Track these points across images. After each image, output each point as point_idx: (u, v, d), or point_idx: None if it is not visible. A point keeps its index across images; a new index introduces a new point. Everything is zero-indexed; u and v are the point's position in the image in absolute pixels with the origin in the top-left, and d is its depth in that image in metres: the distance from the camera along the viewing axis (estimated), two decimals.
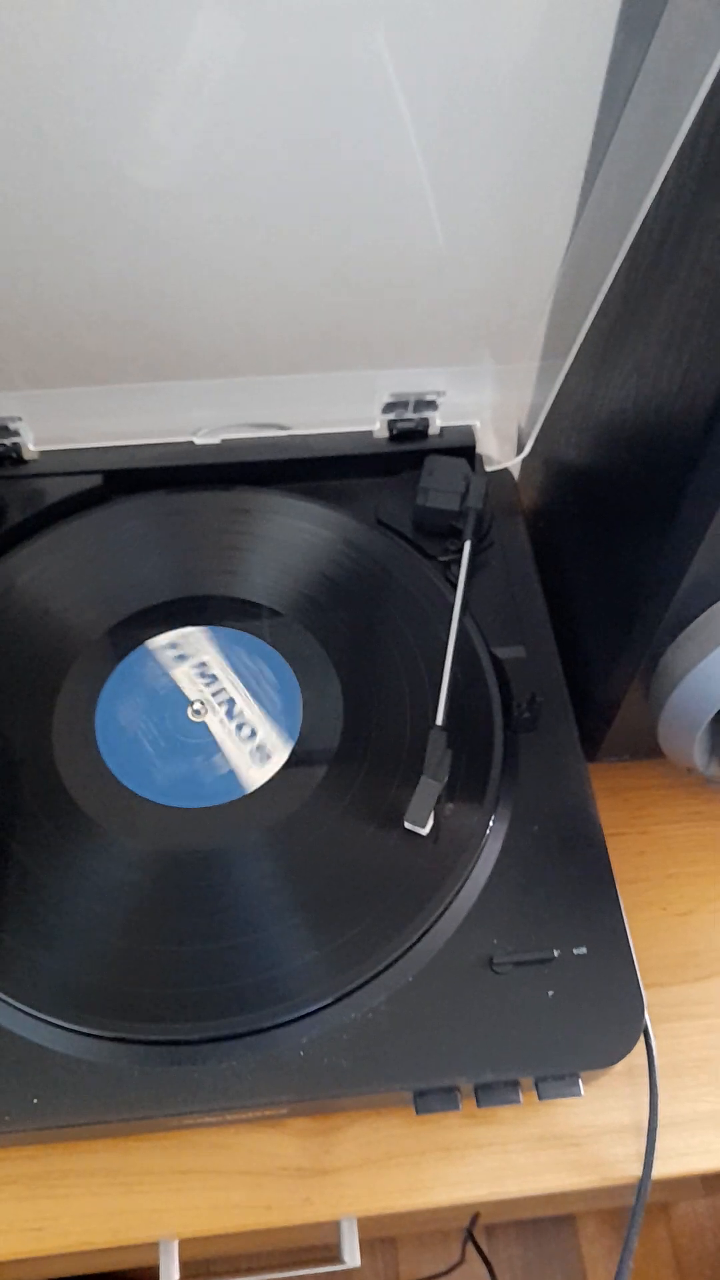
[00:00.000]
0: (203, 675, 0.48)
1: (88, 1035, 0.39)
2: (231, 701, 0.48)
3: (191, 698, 0.48)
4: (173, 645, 0.49)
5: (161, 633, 0.50)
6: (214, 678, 0.48)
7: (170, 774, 0.46)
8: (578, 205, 0.45)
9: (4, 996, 0.40)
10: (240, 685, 0.48)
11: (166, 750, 0.46)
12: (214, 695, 0.48)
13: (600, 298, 0.43)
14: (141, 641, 0.49)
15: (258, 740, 0.47)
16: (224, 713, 0.47)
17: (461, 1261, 0.96)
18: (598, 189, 0.45)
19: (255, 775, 0.46)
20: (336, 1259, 0.49)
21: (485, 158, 0.44)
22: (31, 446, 0.55)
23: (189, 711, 0.47)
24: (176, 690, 0.48)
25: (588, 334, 0.45)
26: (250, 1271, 0.52)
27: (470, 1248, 0.95)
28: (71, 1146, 0.43)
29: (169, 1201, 0.42)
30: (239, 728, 0.47)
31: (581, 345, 0.46)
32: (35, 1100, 0.39)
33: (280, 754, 0.46)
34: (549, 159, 0.45)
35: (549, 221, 0.47)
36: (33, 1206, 0.42)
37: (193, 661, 0.49)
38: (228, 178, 0.45)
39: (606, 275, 0.42)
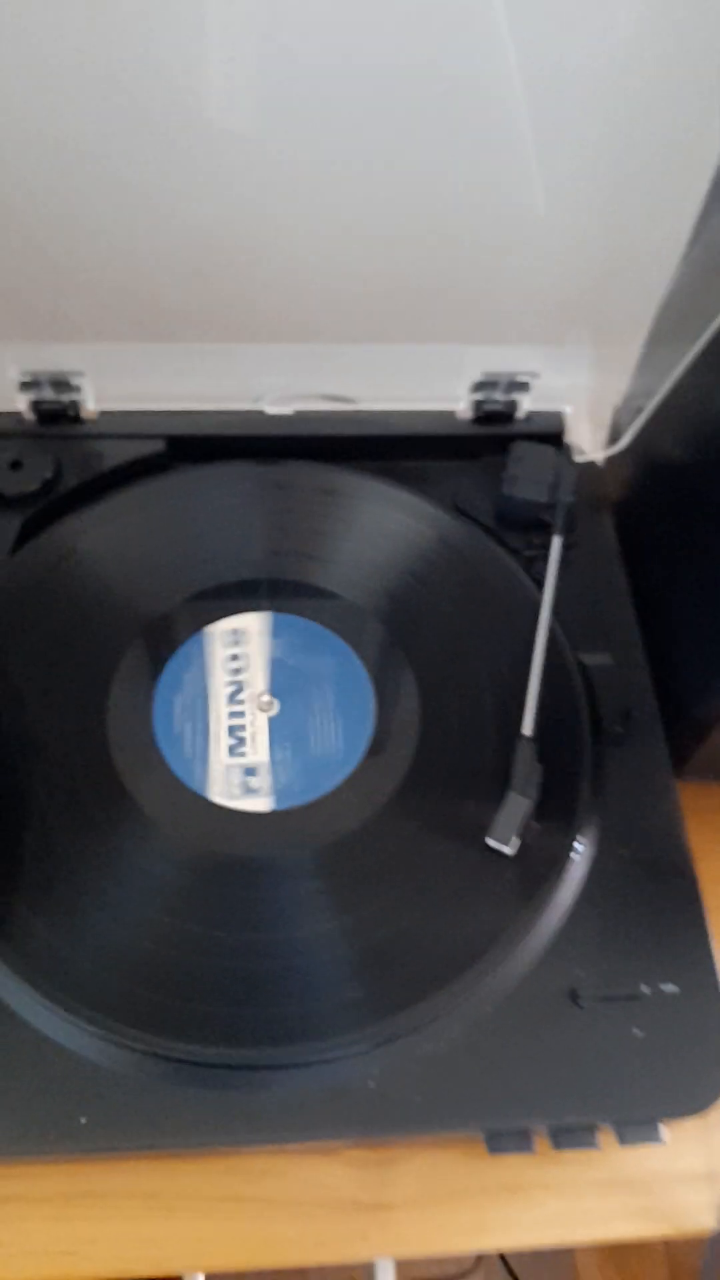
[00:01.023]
0: (275, 670, 0.45)
1: (142, 1053, 0.36)
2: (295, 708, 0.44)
3: (256, 692, 0.44)
4: (243, 632, 0.46)
5: (226, 617, 0.46)
6: (286, 675, 0.45)
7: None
8: (714, 172, 0.42)
9: (54, 1006, 0.37)
10: (313, 691, 0.44)
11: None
12: (279, 695, 0.44)
13: None
14: (197, 629, 0.46)
15: (251, 771, 0.43)
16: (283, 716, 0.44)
17: (475, 1268, 0.94)
18: None
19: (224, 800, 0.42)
20: None
21: (600, 108, 0.40)
22: (91, 405, 0.51)
23: (248, 707, 0.44)
24: (233, 684, 0.45)
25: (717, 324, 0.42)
26: None
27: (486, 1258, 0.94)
28: (110, 1165, 0.40)
29: (213, 1230, 0.39)
30: (236, 746, 0.44)
31: (711, 335, 0.42)
32: (83, 1120, 0.36)
33: (264, 799, 0.42)
34: (677, 113, 0.40)
35: (675, 186, 0.43)
36: (66, 1229, 0.39)
37: (264, 655, 0.45)
38: (313, 124, 0.41)
39: None
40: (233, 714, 0.44)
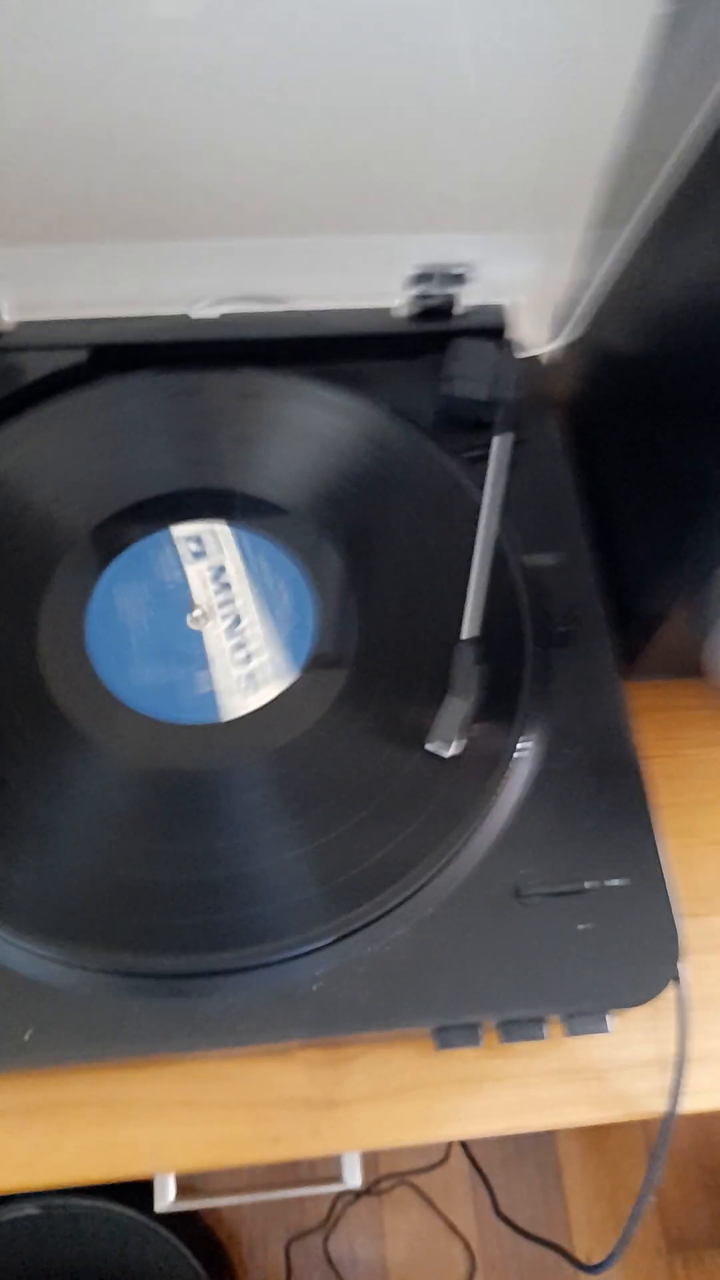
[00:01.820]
0: (216, 580, 0.44)
1: (83, 969, 0.36)
2: (238, 618, 0.43)
3: (197, 602, 0.43)
4: (195, 539, 0.44)
5: (156, 530, 0.45)
6: (228, 585, 0.44)
7: (152, 679, 0.42)
8: (647, 42, 0.39)
9: None
10: (254, 600, 0.43)
11: (154, 652, 0.42)
12: (221, 605, 0.43)
13: (676, 154, 0.37)
14: (133, 540, 0.44)
15: (251, 667, 0.42)
16: (226, 627, 0.43)
17: (445, 1159, 0.97)
18: (677, 25, 0.38)
19: (237, 704, 0.41)
20: (336, 1178, 0.48)
21: None
22: (6, 317, 0.48)
23: (189, 617, 0.43)
24: (184, 589, 0.43)
25: (654, 198, 0.40)
26: (247, 1189, 0.51)
27: (454, 1146, 0.97)
28: (66, 1076, 0.40)
29: (169, 1134, 0.40)
30: (237, 648, 0.43)
31: (646, 211, 0.40)
32: (28, 1036, 0.36)
33: (272, 688, 0.42)
34: None
35: (609, 60, 0.41)
36: (24, 1139, 0.40)
37: (210, 562, 0.44)
38: (240, 6, 0.38)
39: (686, 126, 0.36)
40: (168, 621, 0.43)
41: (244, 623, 0.43)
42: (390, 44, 0.40)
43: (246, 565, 0.44)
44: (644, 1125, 1.09)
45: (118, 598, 0.43)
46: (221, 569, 0.44)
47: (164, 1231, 0.77)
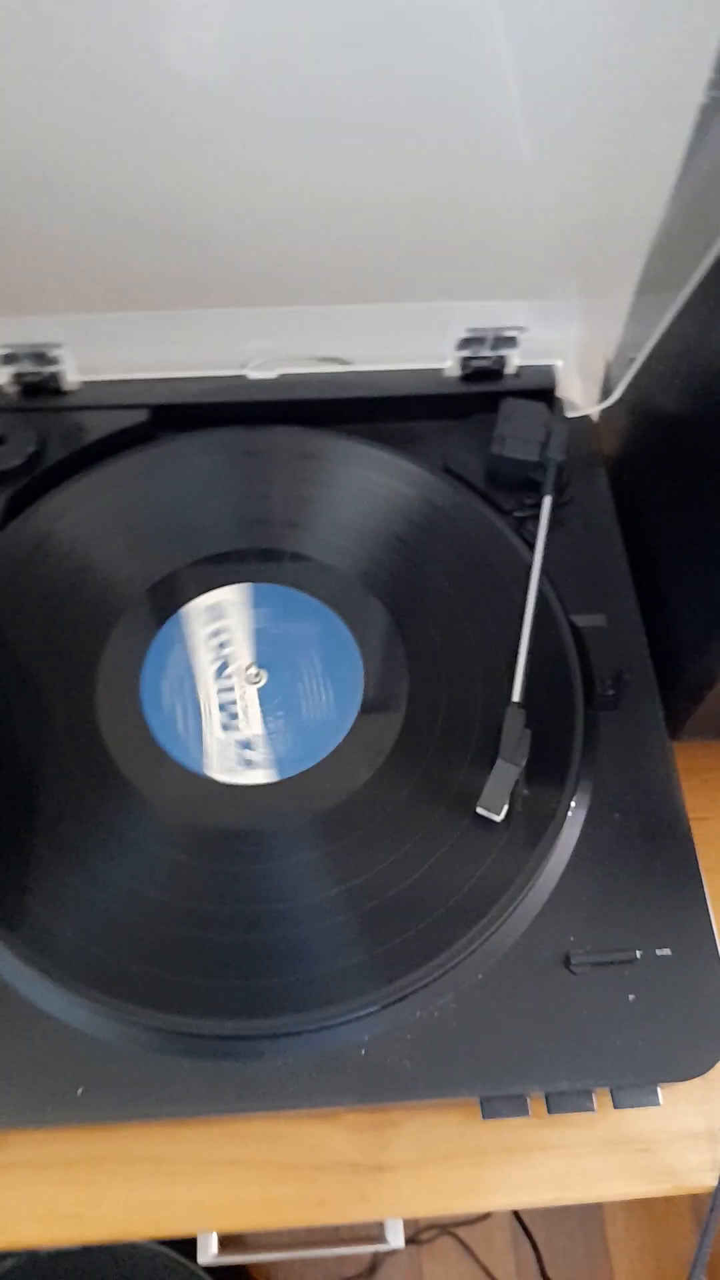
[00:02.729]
0: (264, 640, 0.44)
1: (136, 1025, 0.37)
2: (287, 678, 0.44)
3: (245, 662, 0.44)
4: (246, 599, 0.45)
5: (208, 592, 0.46)
6: (277, 645, 0.44)
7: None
8: (700, 110, 0.40)
9: (46, 978, 0.37)
10: (302, 661, 0.44)
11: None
12: (269, 666, 0.44)
13: None
14: (182, 604, 0.45)
15: (247, 745, 0.43)
16: (273, 686, 0.44)
17: (488, 1212, 0.96)
18: None
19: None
20: (379, 1239, 0.47)
21: (584, 53, 0.38)
22: (72, 376, 0.50)
23: (240, 677, 0.44)
24: (233, 649, 0.44)
25: (704, 265, 0.40)
26: (290, 1246, 0.51)
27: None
28: (113, 1131, 0.41)
29: (214, 1193, 0.40)
30: (281, 707, 0.43)
31: (696, 277, 0.41)
32: (80, 1091, 0.36)
33: (263, 772, 0.42)
34: (662, 54, 0.39)
35: (661, 133, 0.41)
36: (71, 1192, 0.40)
37: (258, 623, 0.45)
38: (288, 75, 0.39)
39: None
40: (222, 689, 0.44)
41: (292, 683, 0.44)
42: (444, 114, 0.41)
43: (288, 625, 0.45)
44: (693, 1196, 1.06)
45: (165, 677, 0.44)
46: (270, 629, 0.45)
47: (205, 1277, 0.76)
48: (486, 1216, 0.96)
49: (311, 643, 0.44)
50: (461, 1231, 1.01)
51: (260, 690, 0.44)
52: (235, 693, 0.44)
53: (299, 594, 0.45)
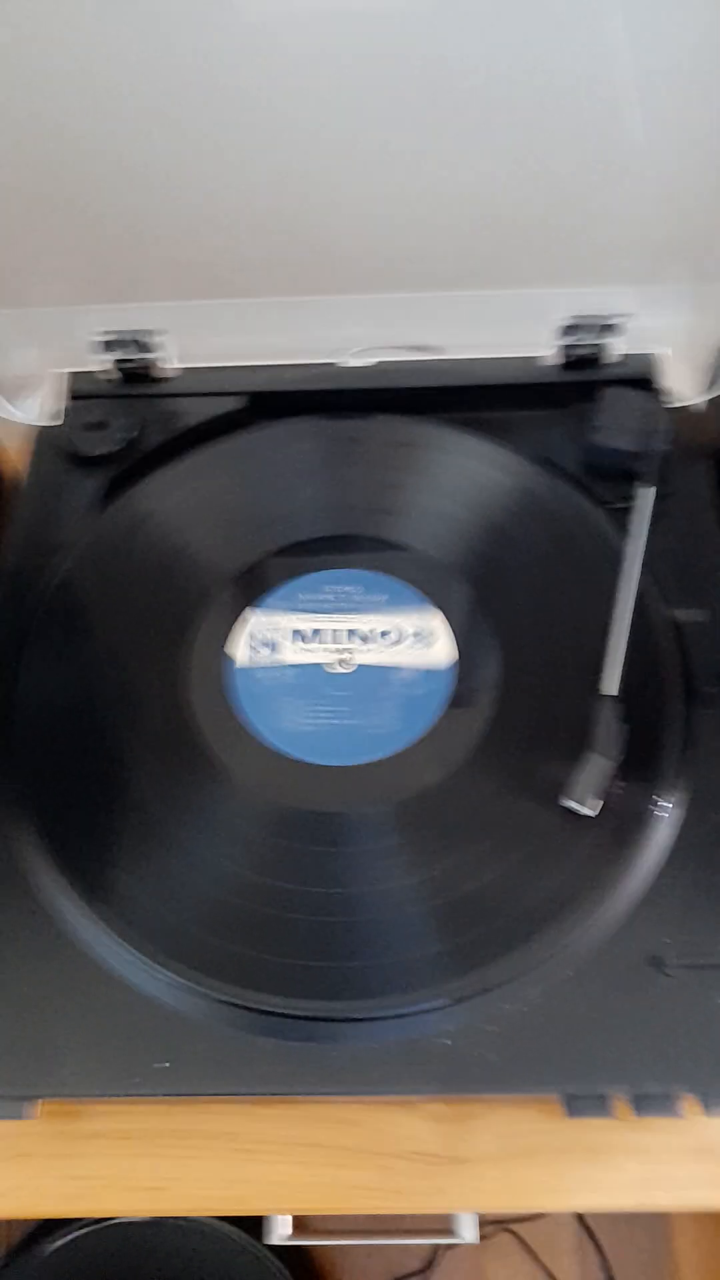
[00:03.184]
0: (359, 627, 0.45)
1: (222, 1002, 0.37)
2: (355, 630, 0.44)
3: (339, 646, 0.44)
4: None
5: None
6: (370, 633, 0.44)
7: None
8: None
9: (141, 957, 0.38)
10: (352, 615, 0.45)
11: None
12: (345, 639, 0.44)
13: None
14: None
15: (408, 635, 0.44)
16: (361, 642, 0.44)
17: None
18: None
19: (439, 656, 0.43)
20: (448, 1231, 0.47)
21: (699, 31, 0.37)
22: (172, 363, 0.51)
23: (332, 661, 0.44)
24: (326, 634, 0.45)
25: None
26: (360, 1233, 0.51)
27: None
28: (195, 1107, 0.41)
29: (292, 1174, 0.40)
30: (383, 635, 0.44)
31: None
32: (165, 1065, 0.37)
33: (440, 628, 0.44)
34: None
35: None
36: (152, 1165, 0.41)
37: (351, 610, 0.45)
38: (388, 58, 0.39)
39: None
40: (314, 670, 0.44)
41: (384, 669, 0.44)
42: (551, 97, 0.40)
43: (371, 605, 0.45)
44: None
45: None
46: (363, 616, 0.45)
47: (273, 1260, 0.77)
48: (545, 1215, 0.94)
49: (405, 629, 0.44)
50: (523, 1229, 1.00)
51: (351, 675, 0.44)
52: (328, 674, 0.44)
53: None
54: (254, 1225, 0.71)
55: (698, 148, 0.41)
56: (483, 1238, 1.01)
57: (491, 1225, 1.02)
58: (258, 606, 0.45)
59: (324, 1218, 0.55)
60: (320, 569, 0.46)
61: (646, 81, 0.39)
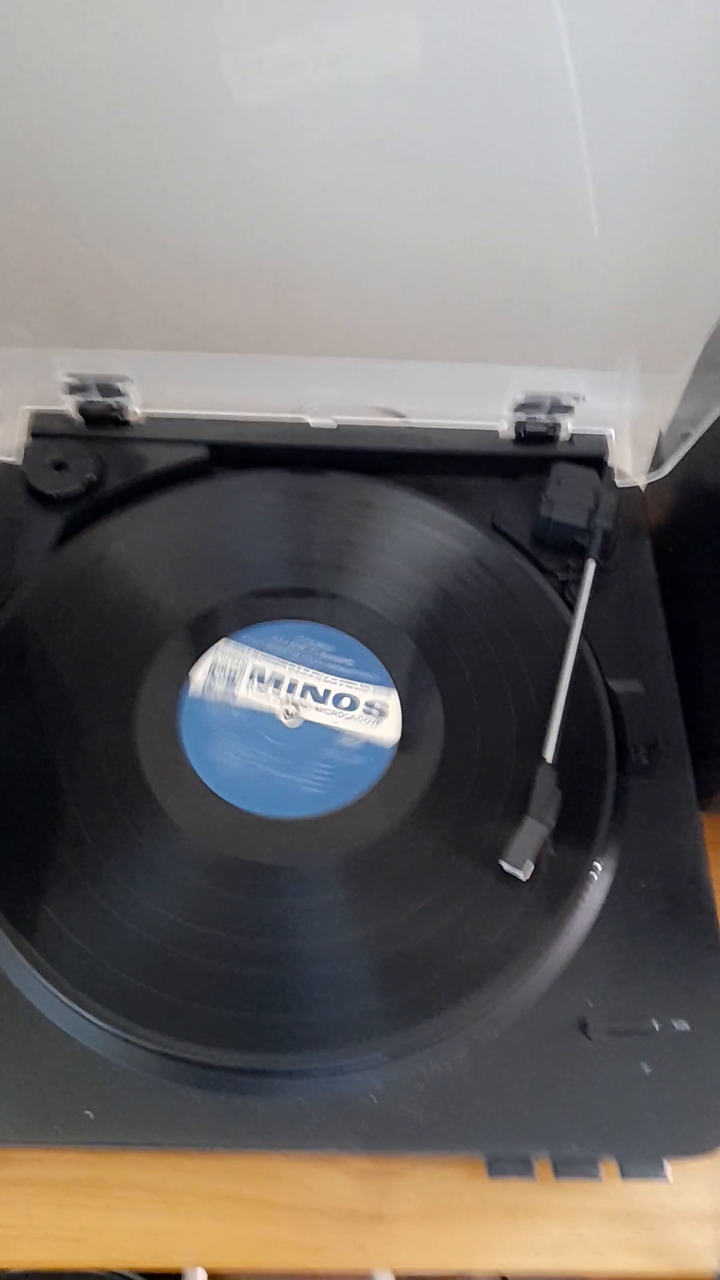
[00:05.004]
0: (263, 680, 0.46)
1: (150, 1051, 0.37)
2: (312, 688, 0.45)
3: (287, 698, 0.45)
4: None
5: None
6: (316, 685, 0.45)
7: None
8: None
9: (66, 998, 0.37)
10: (315, 671, 0.46)
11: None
12: (297, 695, 0.45)
13: None
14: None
15: (360, 705, 0.45)
16: (314, 700, 0.45)
17: None
18: None
19: (386, 733, 0.44)
20: None
21: (658, 133, 0.40)
22: (137, 410, 0.52)
23: (281, 713, 0.45)
24: (260, 692, 0.45)
25: None
26: None
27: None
28: (116, 1156, 0.41)
29: (213, 1228, 0.40)
30: (336, 701, 0.45)
31: None
32: (90, 1114, 0.37)
33: (393, 707, 0.45)
34: None
35: None
36: (71, 1215, 0.40)
37: (270, 667, 0.46)
38: (365, 141, 0.41)
39: None
40: (261, 716, 0.45)
41: (323, 687, 0.45)
42: (518, 191, 0.43)
43: (335, 667, 0.46)
44: None
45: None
46: (324, 675, 0.46)
47: None
48: None
49: (359, 699, 0.45)
50: None
51: (295, 730, 0.45)
52: (278, 726, 0.45)
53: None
54: None
55: (648, 249, 0.44)
56: None
57: None
58: (232, 638, 0.46)
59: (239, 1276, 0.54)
60: (268, 619, 0.47)
61: (606, 184, 0.42)
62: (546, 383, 0.50)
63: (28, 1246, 0.40)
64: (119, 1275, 0.76)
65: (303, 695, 0.45)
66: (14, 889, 0.40)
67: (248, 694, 0.45)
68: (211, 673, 0.45)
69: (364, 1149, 0.37)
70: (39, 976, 0.38)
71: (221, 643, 0.46)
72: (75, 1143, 0.37)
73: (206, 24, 0.37)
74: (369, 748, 0.44)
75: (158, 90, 0.39)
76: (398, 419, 0.53)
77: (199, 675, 0.45)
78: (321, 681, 0.45)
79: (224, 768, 0.43)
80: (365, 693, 0.45)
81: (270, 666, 0.45)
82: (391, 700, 0.45)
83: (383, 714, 0.44)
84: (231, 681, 0.45)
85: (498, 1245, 0.40)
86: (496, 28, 0.37)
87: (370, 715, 0.44)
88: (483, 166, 0.42)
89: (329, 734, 0.44)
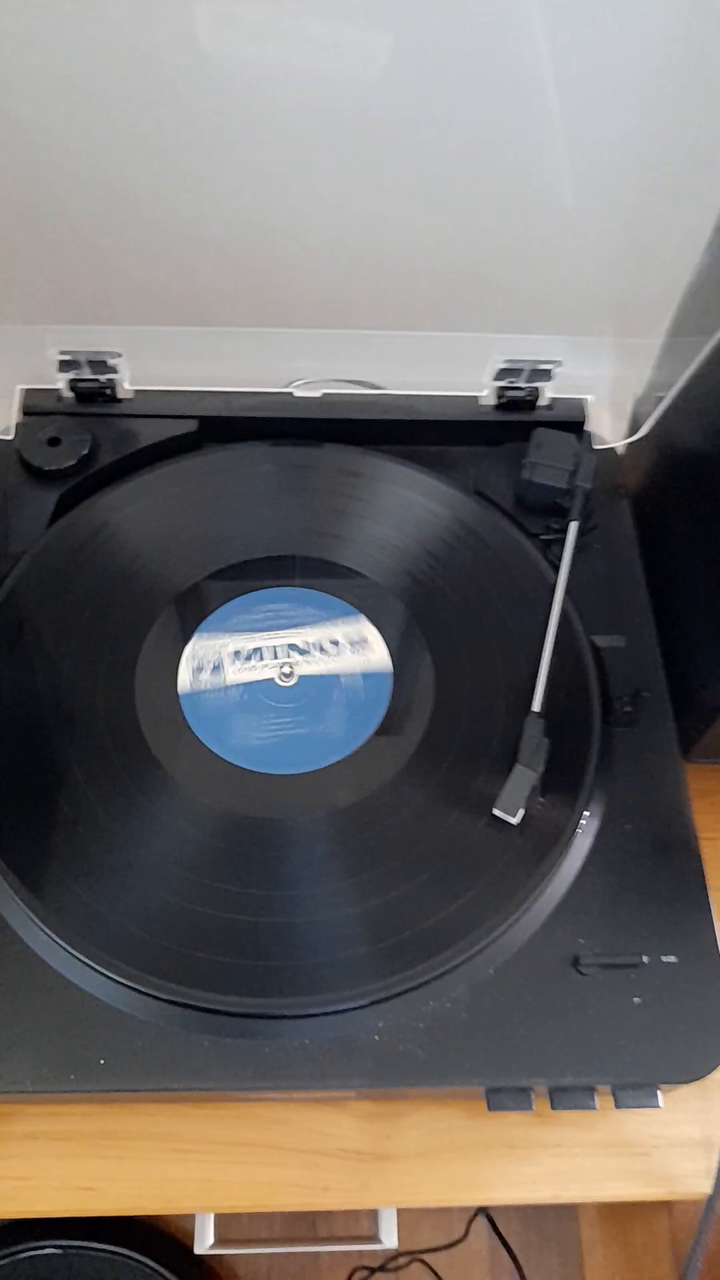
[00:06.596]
0: (299, 643, 0.47)
1: (160, 1000, 0.38)
2: (294, 645, 0.47)
3: (281, 660, 0.46)
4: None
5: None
6: (310, 648, 0.47)
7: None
8: None
9: (76, 951, 0.39)
10: (287, 631, 0.47)
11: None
12: (284, 654, 0.47)
13: None
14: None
15: (343, 641, 0.46)
16: (299, 654, 0.47)
17: (464, 1238, 0.96)
18: None
19: (376, 659, 0.46)
20: (372, 1238, 0.48)
21: (630, 102, 0.41)
22: (128, 385, 0.52)
23: (277, 675, 0.46)
24: (254, 654, 0.47)
25: None
26: (283, 1241, 0.52)
27: (475, 1225, 0.95)
28: (128, 1107, 0.42)
29: (224, 1173, 0.41)
30: (320, 647, 0.46)
31: None
32: (102, 1062, 0.38)
33: (371, 634, 0.47)
34: (706, 107, 0.41)
35: (701, 179, 0.44)
36: (85, 1165, 0.41)
37: (265, 631, 0.47)
38: (349, 112, 0.42)
39: None
40: (255, 683, 0.46)
41: (306, 638, 0.47)
42: (496, 163, 0.44)
43: (329, 630, 0.47)
44: (670, 1218, 1.06)
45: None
46: (298, 630, 0.47)
47: None
48: (462, 1240, 0.95)
49: (339, 638, 0.47)
50: (435, 1259, 1.01)
51: (292, 688, 0.46)
52: (274, 687, 0.46)
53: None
54: (165, 1249, 0.71)
55: (622, 218, 0.46)
56: (395, 1268, 1.02)
57: (404, 1255, 1.02)
58: (197, 633, 0.47)
59: (249, 1225, 0.55)
60: (261, 589, 0.48)
61: (580, 157, 0.43)
62: (525, 350, 0.51)
63: (47, 1196, 0.41)
64: (115, 1251, 0.77)
65: (289, 654, 0.46)
66: (20, 848, 0.41)
67: (238, 675, 0.46)
68: (194, 669, 0.46)
69: (368, 1084, 0.38)
70: (49, 931, 0.39)
71: (190, 641, 0.47)
72: (91, 1089, 0.38)
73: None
74: (369, 678, 0.46)
75: (145, 67, 0.40)
76: (383, 390, 0.54)
77: (183, 675, 0.46)
78: (299, 636, 0.47)
79: (244, 745, 0.45)
80: (340, 630, 0.47)
81: (246, 642, 0.47)
82: (367, 628, 0.46)
83: (366, 644, 0.46)
84: (217, 670, 0.46)
85: (498, 1179, 0.41)
86: (472, 4, 0.38)
87: (356, 649, 0.46)
88: (462, 142, 0.43)
89: (328, 680, 0.46)
